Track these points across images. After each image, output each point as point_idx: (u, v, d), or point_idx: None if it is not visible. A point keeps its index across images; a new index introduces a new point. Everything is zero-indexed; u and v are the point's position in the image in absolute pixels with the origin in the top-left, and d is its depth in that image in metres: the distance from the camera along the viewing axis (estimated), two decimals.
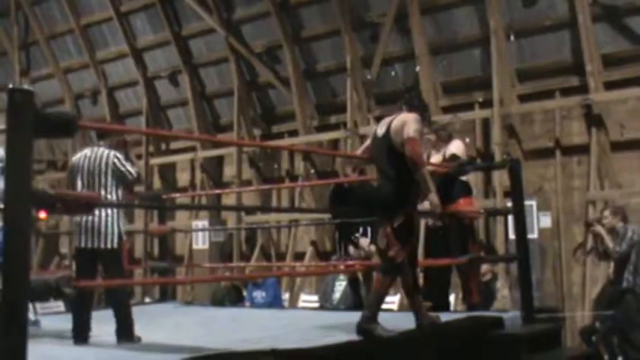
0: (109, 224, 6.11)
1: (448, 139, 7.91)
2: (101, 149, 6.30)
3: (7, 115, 3.59)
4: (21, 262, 3.53)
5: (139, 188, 6.34)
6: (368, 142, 6.27)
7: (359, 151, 6.50)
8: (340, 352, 5.20)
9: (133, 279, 14.77)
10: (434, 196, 5.68)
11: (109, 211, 6.14)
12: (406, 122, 5.70)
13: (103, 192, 6.10)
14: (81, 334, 6.05)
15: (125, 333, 6.04)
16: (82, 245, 6.14)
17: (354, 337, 5.56)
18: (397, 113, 5.98)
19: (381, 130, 5.91)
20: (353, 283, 8.07)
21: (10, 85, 3.64)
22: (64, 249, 18.27)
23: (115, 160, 6.23)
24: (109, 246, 6.12)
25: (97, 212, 6.02)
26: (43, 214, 7.92)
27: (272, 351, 4.87)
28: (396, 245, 5.66)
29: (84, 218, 6.08)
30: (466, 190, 7.70)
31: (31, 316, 7.57)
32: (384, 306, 7.22)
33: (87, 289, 6.19)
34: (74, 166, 6.30)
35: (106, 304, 6.33)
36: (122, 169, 6.22)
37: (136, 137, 18.00)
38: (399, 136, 5.68)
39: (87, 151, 6.35)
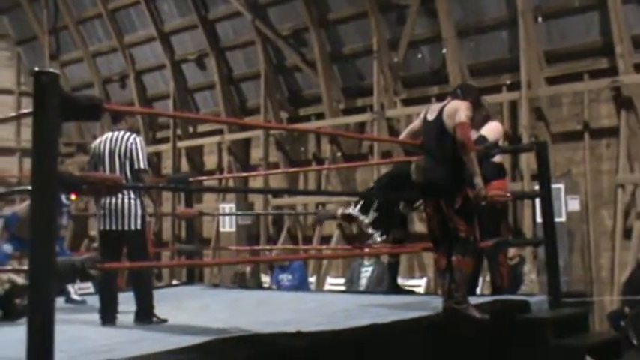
0: (133, 206, 6.16)
1: (484, 121, 7.78)
2: (122, 132, 6.32)
3: (34, 98, 3.62)
4: (47, 244, 3.57)
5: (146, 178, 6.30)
6: (413, 126, 6.62)
7: (403, 136, 6.78)
8: (365, 334, 5.22)
9: (160, 261, 14.93)
10: (479, 180, 5.99)
11: (132, 194, 6.18)
12: (459, 108, 5.98)
13: (125, 175, 6.14)
14: (108, 315, 6.12)
15: (143, 314, 6.10)
16: (108, 228, 6.20)
17: (378, 320, 5.57)
18: (449, 99, 6.23)
19: (431, 115, 6.17)
20: (393, 265, 8.01)
21: (36, 68, 3.67)
22: (94, 231, 18.42)
23: (135, 144, 6.26)
24: (132, 227, 6.18)
25: (119, 195, 6.07)
26: (73, 196, 8.00)
27: (297, 333, 4.89)
28: (463, 225, 5.97)
29: (107, 201, 6.13)
30: (499, 173, 7.61)
31: (75, 296, 7.73)
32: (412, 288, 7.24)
33: (111, 271, 6.25)
34: (96, 150, 6.33)
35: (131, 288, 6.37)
36: (135, 156, 6.24)
37: (164, 120, 18.11)
38: (451, 120, 5.95)
39: (108, 135, 6.38)
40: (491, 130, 7.54)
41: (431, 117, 6.17)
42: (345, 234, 7.73)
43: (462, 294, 5.96)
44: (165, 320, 6.09)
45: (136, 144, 6.27)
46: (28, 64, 20.30)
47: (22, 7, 20.04)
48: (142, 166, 6.29)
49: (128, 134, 6.31)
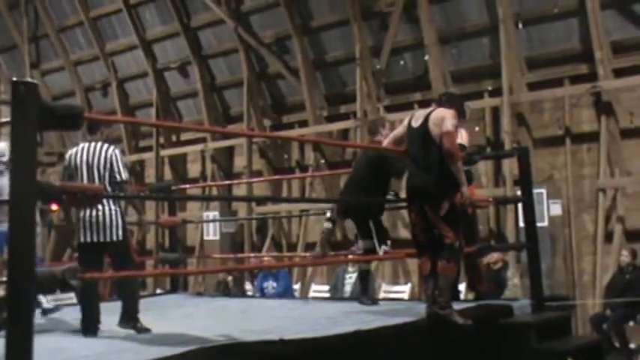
0: (114, 217, 6.13)
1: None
2: (99, 143, 6.27)
3: (12, 108, 3.60)
4: (27, 254, 3.55)
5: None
6: (396, 133, 6.56)
7: (385, 142, 6.71)
8: (349, 341, 5.21)
9: (144, 270, 14.85)
10: (465, 188, 6.05)
11: (112, 204, 6.15)
12: (445, 117, 6.00)
13: (104, 186, 6.09)
14: (90, 325, 6.07)
15: (127, 318, 6.07)
16: (89, 240, 6.14)
17: (362, 326, 5.56)
18: (434, 107, 6.26)
19: (416, 122, 6.16)
20: (363, 275, 7.94)
21: (14, 78, 3.65)
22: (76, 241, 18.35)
23: (115, 156, 6.23)
24: (115, 238, 6.13)
25: (99, 206, 6.02)
26: (54, 206, 7.91)
27: (280, 341, 4.88)
28: (449, 232, 5.98)
29: (88, 213, 6.08)
30: (469, 179, 7.68)
31: (47, 305, 7.56)
32: (394, 295, 7.23)
33: (92, 282, 6.20)
34: (72, 161, 6.27)
35: (117, 295, 6.32)
36: (116, 167, 6.19)
37: (147, 128, 18.05)
38: (437, 128, 5.97)
39: (84, 145, 6.29)
40: (465, 137, 7.64)
41: (416, 124, 6.17)
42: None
43: (445, 299, 5.97)
44: (148, 329, 6.06)
45: (115, 155, 6.22)
46: (8, 73, 20.19)
47: (1, 15, 19.97)
48: (123, 177, 6.23)
49: (106, 145, 6.26)
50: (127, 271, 6.19)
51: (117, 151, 6.28)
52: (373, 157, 7.16)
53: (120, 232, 6.15)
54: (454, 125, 6.01)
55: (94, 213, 6.04)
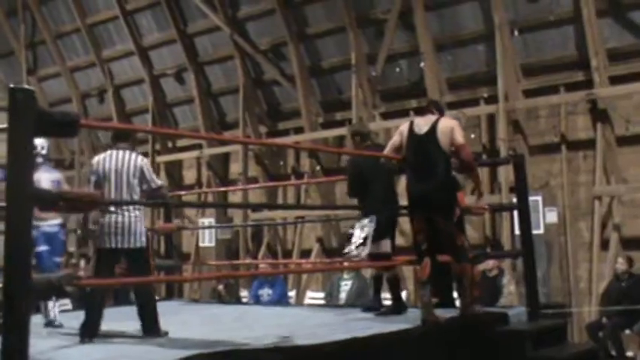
0: (137, 223, 6.17)
1: None
2: (128, 151, 6.33)
3: (8, 115, 3.60)
4: (22, 261, 3.54)
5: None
6: (394, 141, 6.46)
7: (387, 150, 6.58)
8: (344, 348, 5.20)
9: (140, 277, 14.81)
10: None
11: (137, 212, 6.22)
12: (454, 128, 6.16)
13: (130, 193, 6.17)
14: (89, 331, 6.07)
15: (152, 328, 6.11)
16: (113, 246, 6.15)
17: (358, 333, 5.56)
18: (434, 115, 6.35)
19: (420, 129, 6.22)
20: (377, 280, 7.73)
21: (11, 85, 3.65)
22: (72, 247, 18.30)
23: (145, 165, 6.31)
24: (137, 245, 6.20)
25: (125, 213, 6.11)
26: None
27: (275, 348, 4.88)
28: (460, 235, 6.35)
29: (112, 219, 6.11)
30: (457, 185, 7.71)
31: (54, 317, 7.47)
32: (389, 302, 7.24)
33: (101, 288, 6.24)
34: (100, 167, 6.29)
35: (136, 302, 6.34)
36: (148, 176, 6.31)
37: (143, 135, 18.04)
38: (446, 138, 6.11)
39: (112, 153, 6.33)
40: None
41: (420, 131, 6.19)
42: None
43: (471, 297, 6.38)
44: (165, 333, 6.09)
45: (145, 164, 6.35)
46: (5, 79, 20.16)
47: None
48: (159, 183, 6.43)
49: (134, 154, 6.35)
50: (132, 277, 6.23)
51: (146, 160, 6.42)
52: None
53: (142, 239, 6.21)
54: (464, 137, 6.20)
55: (119, 219, 6.08)
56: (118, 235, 6.13)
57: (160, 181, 6.48)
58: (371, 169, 7.00)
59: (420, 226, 6.23)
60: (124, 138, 6.41)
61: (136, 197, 6.23)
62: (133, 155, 6.33)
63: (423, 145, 6.16)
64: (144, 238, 6.26)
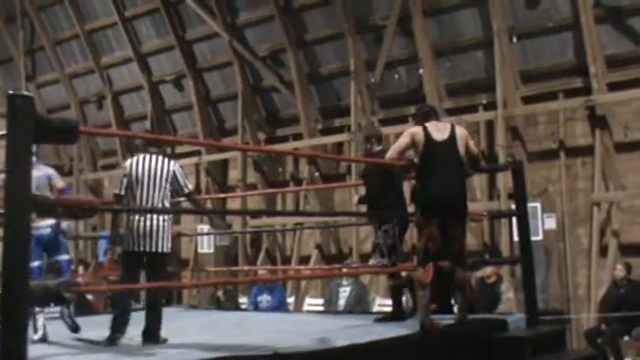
0: (166, 228, 6.19)
1: None
2: (160, 157, 6.38)
3: (7, 121, 3.60)
4: (20, 267, 3.54)
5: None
6: (400, 146, 6.31)
7: (393, 154, 6.39)
8: (343, 355, 5.20)
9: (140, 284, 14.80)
10: None
11: (166, 216, 6.28)
12: (468, 135, 6.40)
13: (162, 197, 6.25)
14: (118, 331, 6.14)
15: (152, 334, 6.14)
16: (141, 249, 6.17)
17: (357, 340, 5.56)
18: (450, 123, 6.51)
19: (439, 135, 6.21)
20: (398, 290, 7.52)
21: (10, 92, 3.65)
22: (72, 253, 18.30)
23: (177, 170, 6.39)
24: (164, 249, 6.25)
25: (154, 217, 6.15)
26: None
27: (274, 355, 4.87)
28: (465, 242, 6.39)
29: (142, 223, 6.14)
30: None
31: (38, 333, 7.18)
32: (386, 309, 7.23)
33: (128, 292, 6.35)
34: (132, 170, 6.32)
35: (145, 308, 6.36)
36: (182, 181, 6.39)
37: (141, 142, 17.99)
38: (463, 145, 6.28)
39: (145, 156, 6.38)
40: None
41: (441, 138, 6.18)
42: None
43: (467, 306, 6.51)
44: (165, 340, 6.11)
45: (178, 169, 6.44)
46: (3, 86, 20.18)
47: None
48: (191, 188, 6.55)
49: (166, 159, 6.40)
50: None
51: (177, 165, 6.50)
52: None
53: (169, 245, 6.25)
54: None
55: (148, 223, 6.11)
56: (147, 238, 6.17)
57: (192, 186, 6.59)
58: (389, 175, 6.98)
59: (434, 233, 6.13)
60: (153, 144, 6.48)
61: (167, 201, 6.31)
62: (166, 160, 6.43)
63: (446, 151, 6.20)
64: (169, 244, 6.31)
